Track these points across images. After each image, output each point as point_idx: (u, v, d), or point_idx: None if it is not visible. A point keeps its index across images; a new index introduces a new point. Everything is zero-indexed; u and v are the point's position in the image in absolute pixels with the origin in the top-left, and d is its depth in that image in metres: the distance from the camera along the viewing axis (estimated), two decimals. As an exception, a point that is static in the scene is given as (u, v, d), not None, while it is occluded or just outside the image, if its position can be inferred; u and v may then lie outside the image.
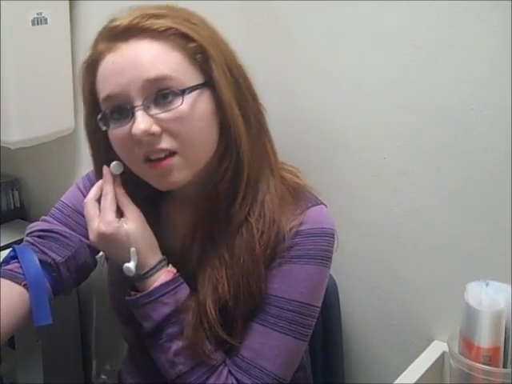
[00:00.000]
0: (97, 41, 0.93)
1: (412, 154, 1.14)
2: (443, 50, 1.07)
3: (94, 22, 1.45)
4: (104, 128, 0.92)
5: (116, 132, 0.92)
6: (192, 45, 0.90)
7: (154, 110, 0.89)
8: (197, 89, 0.90)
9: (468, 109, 1.06)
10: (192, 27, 0.91)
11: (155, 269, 0.95)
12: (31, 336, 1.31)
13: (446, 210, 1.12)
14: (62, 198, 1.09)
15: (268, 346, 0.94)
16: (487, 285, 0.96)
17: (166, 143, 0.90)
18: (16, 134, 1.42)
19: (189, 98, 0.89)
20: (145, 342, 0.99)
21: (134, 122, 0.88)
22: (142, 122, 0.88)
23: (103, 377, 1.01)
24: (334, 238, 0.97)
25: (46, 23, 1.38)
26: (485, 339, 0.93)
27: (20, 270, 0.99)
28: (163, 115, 0.89)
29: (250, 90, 0.96)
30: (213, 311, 0.94)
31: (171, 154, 0.90)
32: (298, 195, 0.98)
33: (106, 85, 0.91)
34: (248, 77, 0.96)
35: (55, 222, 1.06)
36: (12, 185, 1.74)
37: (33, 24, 1.36)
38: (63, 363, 1.56)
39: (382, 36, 1.12)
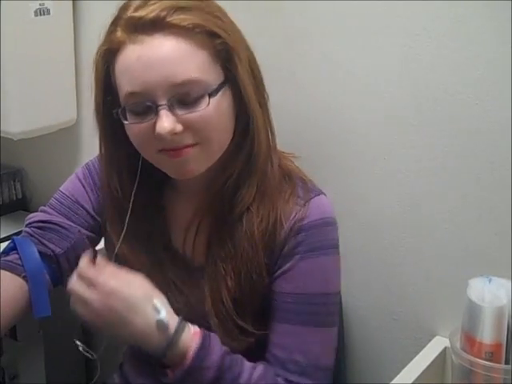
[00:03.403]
0: (114, 28, 0.89)
1: (415, 150, 1.13)
2: (448, 44, 1.06)
3: (96, 12, 1.46)
4: (125, 122, 0.91)
5: (136, 126, 0.90)
6: (218, 41, 0.89)
7: (179, 110, 0.88)
8: (221, 88, 0.89)
9: (473, 104, 1.06)
10: (219, 23, 0.89)
11: (179, 332, 0.88)
12: (33, 327, 1.31)
13: (448, 206, 1.12)
14: (61, 188, 1.08)
15: (310, 342, 0.95)
16: (490, 281, 0.95)
17: (187, 139, 0.89)
18: (18, 125, 1.42)
19: (214, 100, 0.88)
20: None
21: (157, 120, 0.87)
22: (166, 122, 0.87)
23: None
24: (337, 224, 0.99)
25: (49, 14, 1.38)
26: (487, 335, 0.93)
27: (19, 262, 0.99)
28: (188, 116, 0.88)
29: (262, 83, 0.97)
30: (229, 302, 0.95)
31: (191, 144, 0.90)
32: (295, 182, 0.99)
33: (131, 81, 0.88)
34: (260, 70, 0.97)
35: (54, 213, 1.05)
36: (14, 176, 1.74)
37: (35, 15, 1.36)
38: (65, 354, 1.56)
39: (388, 32, 1.11)
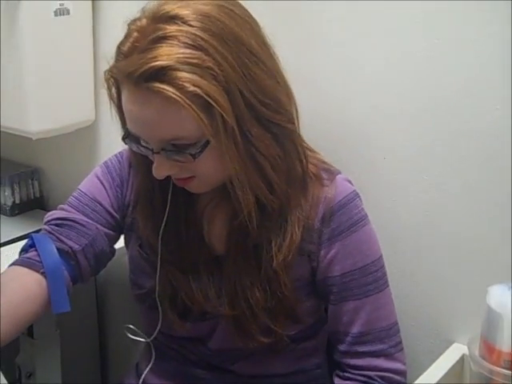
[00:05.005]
0: (118, 53, 0.90)
1: (433, 153, 1.12)
2: (469, 48, 1.05)
3: (115, 12, 1.46)
4: (131, 146, 0.94)
5: (139, 152, 0.94)
6: (208, 105, 0.85)
7: (173, 155, 0.90)
8: (207, 146, 0.88)
9: (494, 109, 1.04)
10: (216, 77, 0.84)
11: None
12: (49, 325, 1.32)
13: (467, 212, 1.10)
14: (79, 187, 1.09)
15: (375, 310, 1.01)
16: (510, 288, 0.95)
17: (184, 174, 0.94)
18: (37, 125, 1.43)
19: (204, 152, 0.89)
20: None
21: (153, 161, 0.92)
22: (159, 168, 0.92)
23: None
24: (359, 195, 1.03)
25: (69, 14, 1.39)
26: (507, 343, 0.92)
27: (38, 258, 1.00)
28: (181, 158, 0.90)
29: (273, 106, 0.92)
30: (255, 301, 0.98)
31: (189, 177, 0.94)
32: (319, 167, 1.02)
33: (129, 122, 0.91)
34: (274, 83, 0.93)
35: (73, 210, 1.06)
36: (32, 175, 1.75)
37: (55, 15, 1.37)
38: (80, 353, 1.57)
39: (406, 34, 1.10)
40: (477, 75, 1.05)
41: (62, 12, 1.37)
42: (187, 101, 0.83)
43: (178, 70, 0.82)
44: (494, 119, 1.05)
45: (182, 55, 0.83)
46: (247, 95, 0.87)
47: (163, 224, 1.02)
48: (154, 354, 1.11)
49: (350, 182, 1.04)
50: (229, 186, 0.92)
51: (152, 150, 0.90)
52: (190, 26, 0.84)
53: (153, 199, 1.03)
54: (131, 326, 1.07)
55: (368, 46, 1.15)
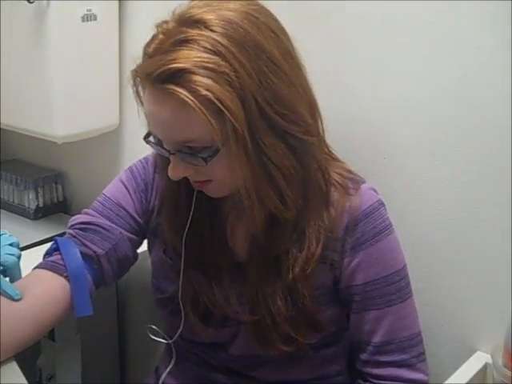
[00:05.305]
0: (144, 54, 0.91)
1: (460, 156, 1.11)
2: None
3: (142, 19, 1.48)
4: (151, 146, 0.96)
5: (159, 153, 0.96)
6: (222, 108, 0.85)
7: (188, 158, 0.90)
8: (218, 152, 0.88)
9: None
10: (231, 83, 0.84)
11: None
12: (71, 329, 1.32)
13: (489, 218, 1.09)
14: (103, 191, 1.10)
15: (397, 320, 1.00)
16: (534, 297, 0.94)
17: (200, 177, 0.94)
18: (62, 129, 1.44)
19: (216, 157, 0.89)
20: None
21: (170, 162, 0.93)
22: (174, 169, 0.92)
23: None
24: (384, 204, 1.02)
25: (96, 20, 1.40)
26: (530, 352, 0.91)
27: (62, 262, 1.00)
28: (193, 161, 0.90)
29: (290, 108, 0.90)
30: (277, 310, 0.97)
31: (205, 180, 0.94)
32: (344, 176, 1.01)
33: (149, 122, 0.92)
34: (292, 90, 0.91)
35: (97, 214, 1.07)
36: (55, 179, 1.77)
37: (83, 20, 1.38)
38: (101, 357, 1.57)
39: (436, 41, 1.09)
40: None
41: (89, 18, 1.39)
42: (199, 104, 0.83)
43: (194, 73, 0.83)
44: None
45: (199, 59, 0.84)
46: (262, 103, 0.87)
47: (187, 227, 1.02)
48: (174, 355, 1.12)
49: (375, 190, 1.03)
50: (240, 194, 0.92)
51: (169, 151, 0.91)
52: (212, 31, 0.85)
53: (178, 202, 1.03)
54: (153, 327, 1.08)
55: (401, 54, 1.14)
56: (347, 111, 1.21)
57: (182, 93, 0.83)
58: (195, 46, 0.84)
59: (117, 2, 1.46)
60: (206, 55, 0.84)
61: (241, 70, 0.84)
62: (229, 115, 0.84)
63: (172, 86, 0.84)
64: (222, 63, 0.84)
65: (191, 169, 0.92)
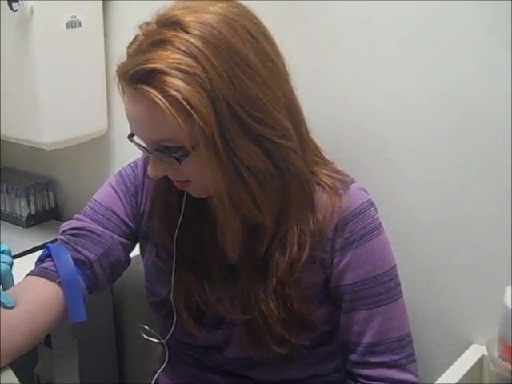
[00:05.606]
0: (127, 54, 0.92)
1: (449, 155, 1.11)
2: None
3: (127, 24, 1.46)
4: (134, 144, 0.96)
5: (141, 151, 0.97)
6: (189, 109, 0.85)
7: (165, 157, 0.91)
8: (189, 154, 0.89)
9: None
10: (202, 85, 0.84)
11: None
12: (67, 335, 1.32)
13: (484, 212, 1.09)
14: (94, 197, 1.10)
15: (387, 320, 1.00)
16: (527, 287, 0.94)
17: (179, 177, 0.95)
18: (51, 136, 1.44)
19: (189, 157, 0.89)
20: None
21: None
22: (151, 168, 0.94)
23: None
24: (374, 204, 1.01)
25: (80, 26, 1.40)
26: (525, 343, 0.92)
27: (54, 268, 1.00)
28: (168, 161, 0.91)
29: (268, 113, 0.90)
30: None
31: (184, 181, 0.95)
32: (332, 177, 1.01)
33: (128, 120, 0.93)
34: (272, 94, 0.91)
35: (88, 220, 1.07)
36: (47, 186, 1.76)
37: (67, 27, 1.38)
38: (98, 361, 1.57)
39: (417, 39, 1.09)
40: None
41: (74, 24, 1.39)
42: (168, 105, 0.84)
43: (166, 73, 0.84)
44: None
45: (172, 60, 0.84)
46: (234, 106, 0.86)
47: (178, 225, 1.02)
48: (167, 354, 1.12)
49: (365, 191, 1.02)
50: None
51: (148, 150, 0.92)
52: (187, 33, 0.86)
53: (169, 201, 1.04)
54: (145, 327, 1.08)
55: (381, 53, 1.14)
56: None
57: (153, 93, 0.84)
58: (170, 48, 0.85)
59: (100, 6, 1.46)
60: (179, 56, 0.84)
61: (212, 71, 0.85)
62: (196, 116, 0.84)
63: (144, 86, 0.85)
64: (194, 64, 0.84)
65: (169, 168, 0.93)
